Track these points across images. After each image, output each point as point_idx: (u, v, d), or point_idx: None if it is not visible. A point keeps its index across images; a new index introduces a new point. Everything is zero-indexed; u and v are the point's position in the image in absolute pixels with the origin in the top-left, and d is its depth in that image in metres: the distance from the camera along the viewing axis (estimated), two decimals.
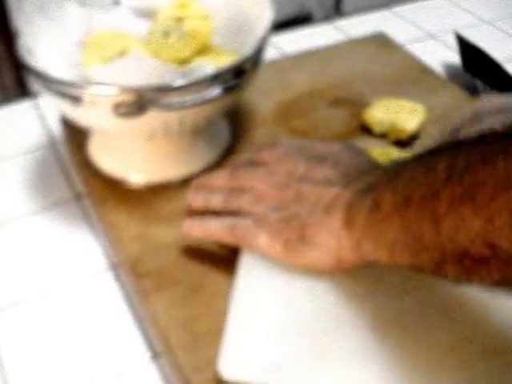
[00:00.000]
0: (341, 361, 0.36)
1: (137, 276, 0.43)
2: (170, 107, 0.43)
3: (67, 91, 0.43)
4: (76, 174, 0.56)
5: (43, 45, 0.50)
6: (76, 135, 0.56)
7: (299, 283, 0.40)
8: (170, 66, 0.47)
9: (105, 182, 0.51)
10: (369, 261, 0.36)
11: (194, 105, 0.43)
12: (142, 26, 0.56)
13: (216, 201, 0.43)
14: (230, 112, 0.56)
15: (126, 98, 0.42)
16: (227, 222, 0.41)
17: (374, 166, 0.41)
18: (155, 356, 0.42)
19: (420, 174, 0.31)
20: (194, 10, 0.53)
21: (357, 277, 0.40)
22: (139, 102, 0.42)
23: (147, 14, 0.56)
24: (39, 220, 0.52)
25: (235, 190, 0.42)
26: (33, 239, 0.51)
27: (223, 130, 0.56)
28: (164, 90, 0.42)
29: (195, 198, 0.44)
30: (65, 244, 0.50)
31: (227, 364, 0.36)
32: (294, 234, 0.38)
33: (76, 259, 0.49)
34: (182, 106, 0.43)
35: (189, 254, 0.45)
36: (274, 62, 0.66)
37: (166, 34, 0.53)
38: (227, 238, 0.41)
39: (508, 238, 0.26)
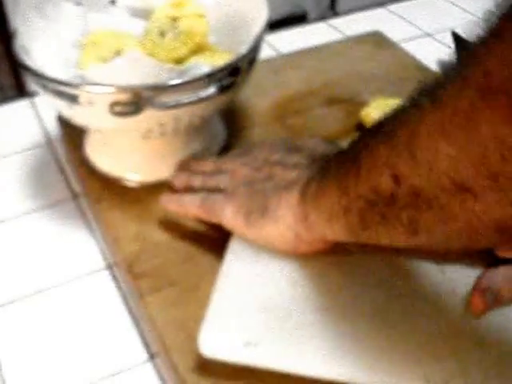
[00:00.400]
0: (322, 340, 0.36)
1: (133, 276, 0.43)
2: (165, 106, 0.43)
3: (63, 90, 0.43)
4: (72, 174, 0.56)
5: (40, 44, 0.50)
6: (73, 134, 0.55)
7: (281, 268, 0.41)
8: (166, 65, 0.47)
9: (101, 182, 0.51)
10: (319, 236, 0.38)
11: (190, 103, 0.43)
12: (139, 26, 0.56)
13: (196, 181, 0.46)
14: (226, 111, 0.56)
15: (122, 97, 0.42)
16: (200, 196, 0.44)
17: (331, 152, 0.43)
18: (151, 356, 0.42)
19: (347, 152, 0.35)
20: (190, 9, 0.53)
21: (342, 264, 0.41)
22: (135, 101, 0.42)
23: (143, 13, 0.56)
24: (36, 219, 0.52)
25: (216, 172, 0.46)
26: (29, 238, 0.51)
27: (218, 129, 0.56)
28: (160, 88, 0.43)
29: (178, 177, 0.48)
30: (62, 243, 0.50)
31: (207, 342, 0.36)
32: (256, 206, 0.41)
33: (73, 258, 0.49)
34: (178, 105, 0.43)
35: (185, 254, 0.45)
36: (270, 61, 0.66)
37: (162, 34, 0.53)
38: (198, 211, 0.44)
39: (407, 169, 0.28)
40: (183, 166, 0.49)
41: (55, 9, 0.52)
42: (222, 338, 0.37)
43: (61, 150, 0.59)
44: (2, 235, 0.51)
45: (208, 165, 0.48)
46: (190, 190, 0.46)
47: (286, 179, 0.41)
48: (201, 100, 0.44)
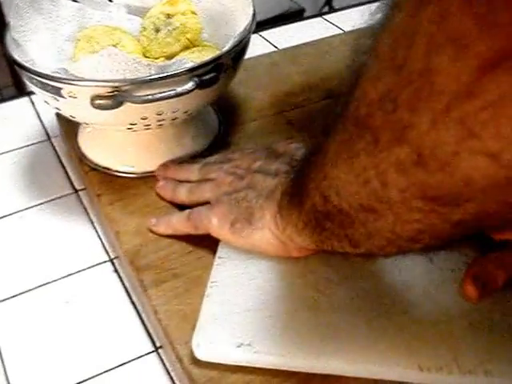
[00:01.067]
0: (313, 335, 0.37)
1: (136, 270, 0.43)
2: (144, 100, 0.43)
3: (48, 84, 0.44)
4: (72, 169, 0.56)
5: (34, 38, 0.51)
6: (72, 130, 0.56)
7: (268, 268, 0.41)
8: (143, 61, 0.47)
9: (101, 176, 0.51)
10: (302, 247, 0.38)
11: (168, 98, 0.44)
12: (134, 23, 0.56)
13: (182, 194, 0.47)
14: (224, 105, 0.56)
15: (102, 90, 0.43)
16: (185, 213, 0.45)
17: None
18: (156, 348, 0.42)
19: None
20: (184, 6, 0.53)
21: (330, 258, 0.41)
22: (114, 95, 0.43)
23: (139, 10, 0.56)
24: (38, 214, 0.52)
25: (201, 182, 0.46)
26: (32, 233, 0.51)
27: (211, 123, 0.56)
28: (138, 83, 0.43)
29: (163, 188, 0.48)
30: (63, 237, 0.50)
31: (201, 345, 0.37)
32: (241, 215, 0.41)
33: (75, 252, 0.49)
34: (156, 99, 0.43)
35: (188, 247, 0.45)
36: (268, 56, 0.66)
37: (157, 30, 0.53)
38: (186, 227, 0.44)
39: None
40: (168, 171, 0.49)
41: (52, 4, 0.53)
42: (215, 340, 0.37)
43: (60, 146, 0.59)
44: (4, 230, 0.51)
45: (193, 172, 0.48)
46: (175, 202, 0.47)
47: (266, 188, 0.42)
48: (179, 94, 0.44)
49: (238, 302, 0.39)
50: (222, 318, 0.38)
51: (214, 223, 0.42)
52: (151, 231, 0.46)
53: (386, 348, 0.36)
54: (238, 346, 0.36)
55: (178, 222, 0.45)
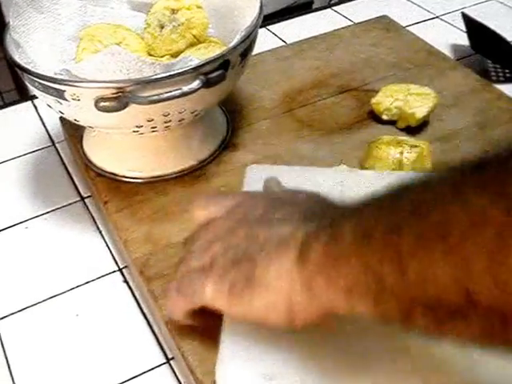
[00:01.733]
0: (334, 370, 0.35)
1: (146, 279, 0.42)
2: (150, 101, 0.42)
3: (51, 86, 0.43)
4: (78, 175, 0.55)
5: (35, 38, 0.49)
6: (76, 135, 0.55)
7: None
8: (150, 60, 0.46)
9: (107, 183, 0.50)
10: (325, 308, 0.31)
11: (174, 97, 0.42)
12: (138, 19, 0.55)
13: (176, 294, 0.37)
14: (231, 105, 0.55)
15: (106, 92, 0.42)
16: (173, 284, 0.37)
17: (338, 207, 0.35)
18: (168, 360, 0.41)
19: (383, 209, 0.28)
20: (188, 0, 0.52)
21: None
22: (119, 96, 0.42)
23: (142, 5, 0.55)
24: (44, 223, 0.51)
25: (186, 258, 0.38)
26: (38, 243, 0.50)
27: (219, 124, 0.55)
28: (143, 83, 0.42)
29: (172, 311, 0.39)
30: (72, 247, 0.49)
31: (224, 376, 0.35)
32: (241, 275, 0.33)
33: (83, 262, 0.48)
34: (162, 99, 0.42)
35: None
36: (276, 51, 0.64)
37: (161, 26, 0.52)
38: (185, 304, 0.36)
39: (487, 286, 0.22)
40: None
41: (52, 2, 0.52)
42: (239, 374, 0.35)
43: (65, 152, 0.58)
44: (9, 241, 0.50)
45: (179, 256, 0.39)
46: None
47: (274, 237, 0.33)
48: (185, 94, 0.42)
49: (260, 333, 0.36)
50: (245, 350, 0.36)
51: (208, 291, 0.34)
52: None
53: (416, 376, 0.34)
54: (263, 379, 0.34)
55: (179, 304, 0.36)
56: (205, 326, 0.38)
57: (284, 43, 0.70)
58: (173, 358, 0.41)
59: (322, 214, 0.33)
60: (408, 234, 0.25)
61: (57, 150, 0.59)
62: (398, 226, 0.26)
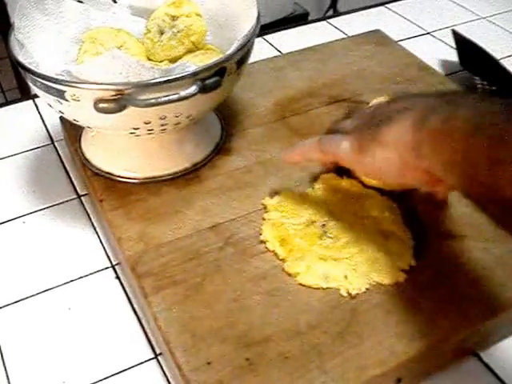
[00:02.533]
0: None
1: (137, 276, 0.44)
2: (147, 104, 0.43)
3: (51, 86, 0.44)
4: (75, 174, 0.56)
5: (38, 39, 0.51)
6: (75, 134, 0.56)
7: None
8: (149, 64, 0.47)
9: (103, 182, 0.51)
10: (427, 171, 0.37)
11: (171, 101, 0.43)
12: (139, 24, 0.56)
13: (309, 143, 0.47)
14: (226, 110, 0.56)
15: (105, 93, 0.43)
16: (317, 137, 0.45)
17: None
18: (156, 355, 0.42)
19: (495, 104, 0.33)
20: (188, 8, 0.53)
21: None
22: (118, 98, 0.43)
23: (143, 11, 0.56)
24: (41, 218, 0.52)
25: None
26: (34, 238, 0.51)
27: (214, 129, 0.56)
28: (142, 86, 0.43)
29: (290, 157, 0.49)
30: (67, 242, 0.50)
31: None
32: (369, 135, 0.41)
33: (77, 257, 0.49)
34: (159, 103, 0.43)
35: (188, 254, 0.45)
36: (271, 60, 0.66)
37: (161, 32, 0.53)
38: (316, 152, 0.45)
39: None
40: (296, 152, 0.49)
41: (57, 5, 0.53)
42: None
43: (64, 150, 0.59)
44: (6, 235, 0.51)
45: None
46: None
47: (396, 108, 0.40)
48: (182, 98, 0.44)
49: None
50: None
51: (343, 146, 0.42)
52: (284, 160, 0.49)
53: None
54: None
55: (308, 150, 0.46)
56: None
57: (279, 53, 0.72)
58: (161, 354, 0.42)
59: (440, 96, 0.39)
60: (507, 145, 0.30)
61: (56, 148, 0.60)
62: (499, 136, 0.31)
